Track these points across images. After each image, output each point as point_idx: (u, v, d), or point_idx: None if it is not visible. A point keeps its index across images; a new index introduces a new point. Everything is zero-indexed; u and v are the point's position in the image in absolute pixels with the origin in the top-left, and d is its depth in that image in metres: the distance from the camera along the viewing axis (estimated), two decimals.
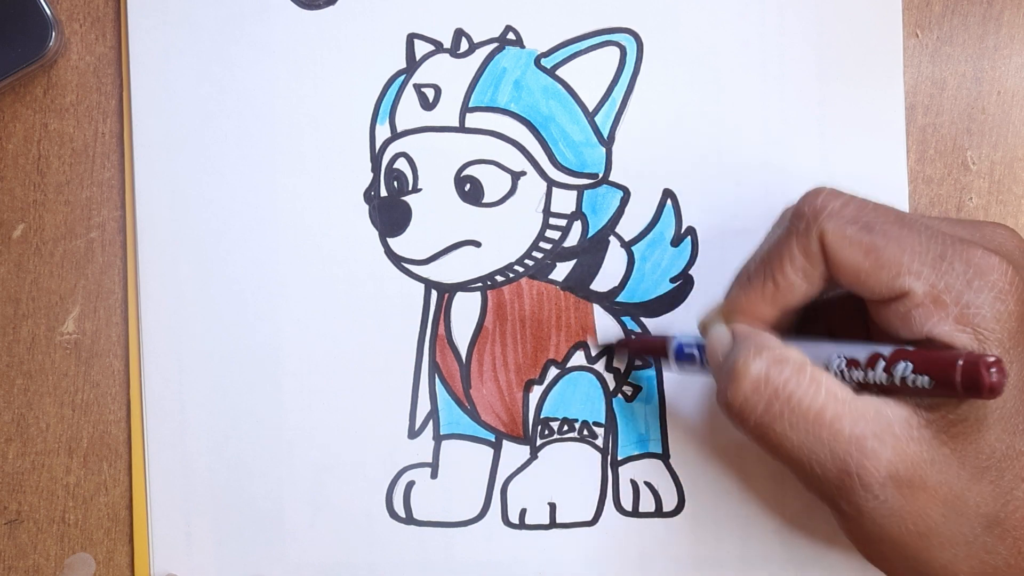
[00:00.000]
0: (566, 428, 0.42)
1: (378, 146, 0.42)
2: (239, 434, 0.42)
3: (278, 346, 0.42)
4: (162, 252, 0.42)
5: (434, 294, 0.42)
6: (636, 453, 0.42)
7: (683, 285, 0.42)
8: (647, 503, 0.42)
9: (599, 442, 0.42)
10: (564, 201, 0.42)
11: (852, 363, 0.33)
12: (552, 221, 0.42)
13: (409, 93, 0.42)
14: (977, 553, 0.33)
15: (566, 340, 0.42)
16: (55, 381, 0.43)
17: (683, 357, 0.38)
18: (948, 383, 0.31)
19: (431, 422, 0.42)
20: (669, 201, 0.42)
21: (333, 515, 0.42)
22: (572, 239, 0.42)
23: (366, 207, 0.42)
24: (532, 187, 0.42)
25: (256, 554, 0.42)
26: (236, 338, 0.42)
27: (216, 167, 0.42)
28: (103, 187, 0.43)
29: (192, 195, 0.42)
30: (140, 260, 0.42)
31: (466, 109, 0.42)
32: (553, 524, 0.42)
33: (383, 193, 0.42)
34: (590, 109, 0.42)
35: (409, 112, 0.42)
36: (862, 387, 0.33)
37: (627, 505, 0.42)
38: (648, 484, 0.42)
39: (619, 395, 0.42)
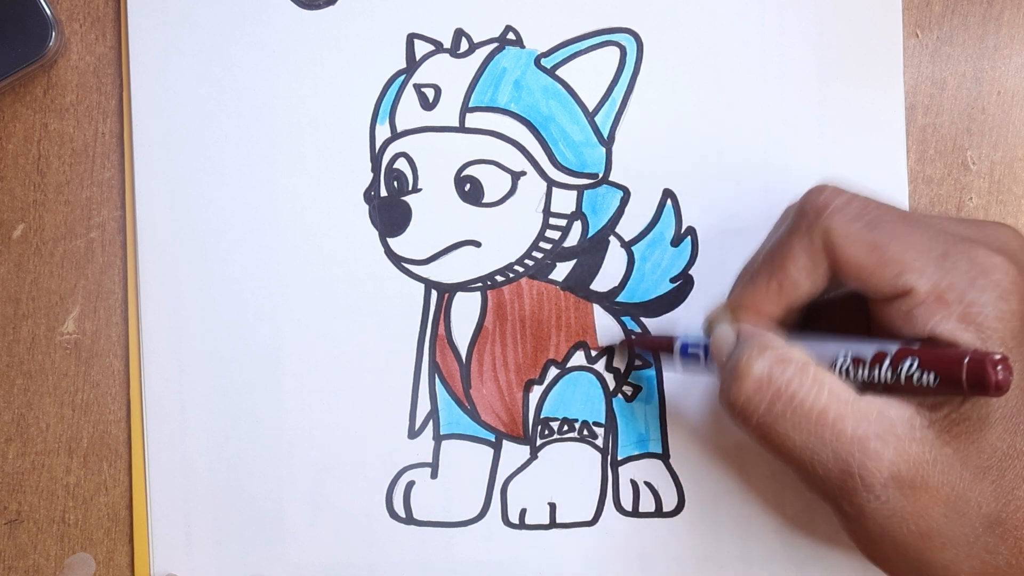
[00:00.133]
0: (566, 428, 0.42)
1: (378, 146, 0.42)
2: (239, 434, 0.42)
3: (278, 346, 0.42)
4: (162, 252, 0.42)
5: (434, 294, 0.42)
6: (636, 453, 0.42)
7: (683, 285, 0.42)
8: (647, 503, 0.42)
9: (599, 442, 0.42)
10: (564, 201, 0.42)
11: (857, 361, 0.33)
12: (552, 221, 0.42)
13: (409, 93, 0.42)
14: (978, 553, 0.33)
15: (566, 340, 0.42)
16: (55, 381, 0.43)
17: (688, 357, 0.38)
18: (954, 380, 0.31)
19: (431, 422, 0.42)
20: (669, 201, 0.42)
21: (333, 515, 0.42)
22: (572, 239, 0.42)
23: (366, 207, 0.42)
24: (532, 187, 0.42)
25: (256, 554, 0.42)
26: (236, 338, 0.42)
27: (216, 167, 0.42)
28: (103, 187, 0.43)
29: (192, 195, 0.42)
30: (140, 260, 0.42)
31: (466, 109, 0.42)
32: (553, 524, 0.42)
33: (383, 193, 0.42)
34: (590, 109, 0.42)
35: (409, 112, 0.42)
36: (866, 386, 0.33)
37: (627, 505, 0.42)
38: (648, 484, 0.42)
39: (619, 395, 0.42)
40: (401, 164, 0.42)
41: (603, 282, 0.42)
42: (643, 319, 0.42)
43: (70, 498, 0.43)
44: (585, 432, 0.42)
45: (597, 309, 0.42)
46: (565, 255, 0.42)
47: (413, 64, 0.42)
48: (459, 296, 0.42)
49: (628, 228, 0.42)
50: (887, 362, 0.32)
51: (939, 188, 0.42)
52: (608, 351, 0.42)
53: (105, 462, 0.43)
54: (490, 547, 0.42)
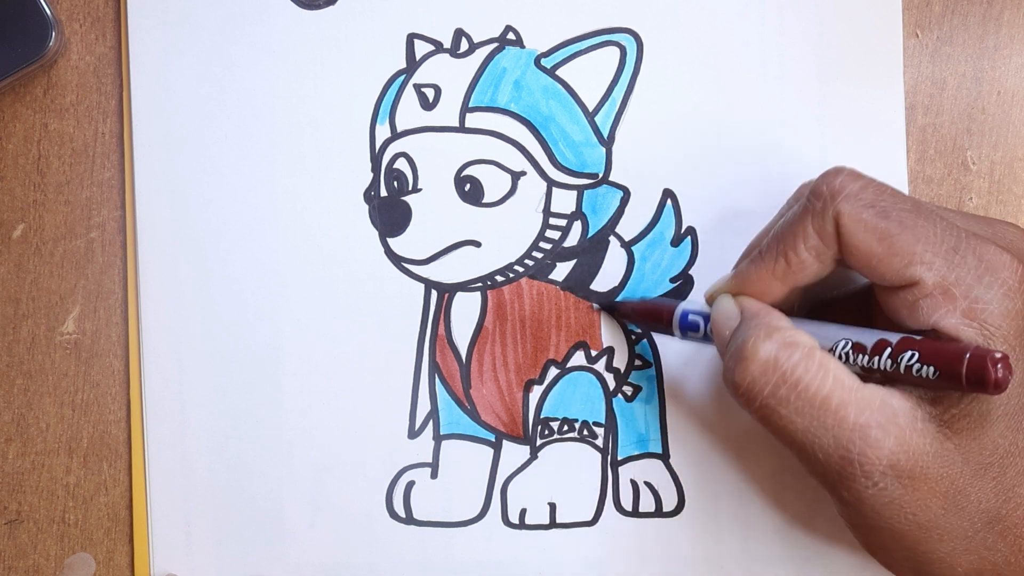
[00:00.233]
0: (566, 428, 0.42)
1: (378, 146, 0.42)
2: (239, 434, 0.42)
3: (278, 346, 0.42)
4: (162, 252, 0.42)
5: (434, 294, 0.42)
6: (636, 453, 0.42)
7: (683, 285, 0.42)
8: (647, 503, 0.42)
9: (599, 442, 0.42)
10: (564, 201, 0.42)
11: (858, 348, 0.33)
12: (552, 221, 0.42)
13: (409, 93, 0.42)
14: (976, 548, 0.33)
15: (566, 340, 0.42)
16: (55, 381, 0.43)
17: (687, 325, 0.38)
18: (953, 376, 0.31)
19: (431, 422, 0.42)
20: (669, 201, 0.42)
21: (333, 515, 0.42)
22: (572, 239, 0.42)
23: (366, 207, 0.42)
24: (532, 187, 0.42)
25: (256, 554, 0.42)
26: (236, 338, 0.42)
27: (216, 167, 0.42)
28: (103, 187, 0.43)
29: (192, 195, 0.42)
30: (140, 260, 0.42)
31: (466, 109, 0.42)
32: (553, 524, 0.42)
33: (383, 193, 0.42)
34: (590, 109, 0.42)
35: (409, 112, 0.42)
36: (865, 374, 0.33)
37: (627, 505, 0.42)
38: (648, 484, 0.42)
39: (619, 395, 0.42)
40: (401, 164, 0.42)
41: (603, 282, 0.42)
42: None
43: (70, 498, 0.43)
44: (585, 432, 0.42)
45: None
46: (565, 255, 0.42)
47: (413, 64, 0.42)
48: (459, 296, 0.42)
49: (628, 228, 0.42)
50: (887, 352, 0.32)
51: (939, 188, 0.42)
52: (608, 351, 0.42)
53: (105, 462, 0.43)
54: (490, 547, 0.42)
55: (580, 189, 0.42)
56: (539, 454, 0.42)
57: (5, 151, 0.43)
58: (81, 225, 0.43)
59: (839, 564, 0.42)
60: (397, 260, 0.42)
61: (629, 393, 0.42)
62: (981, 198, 0.42)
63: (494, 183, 0.42)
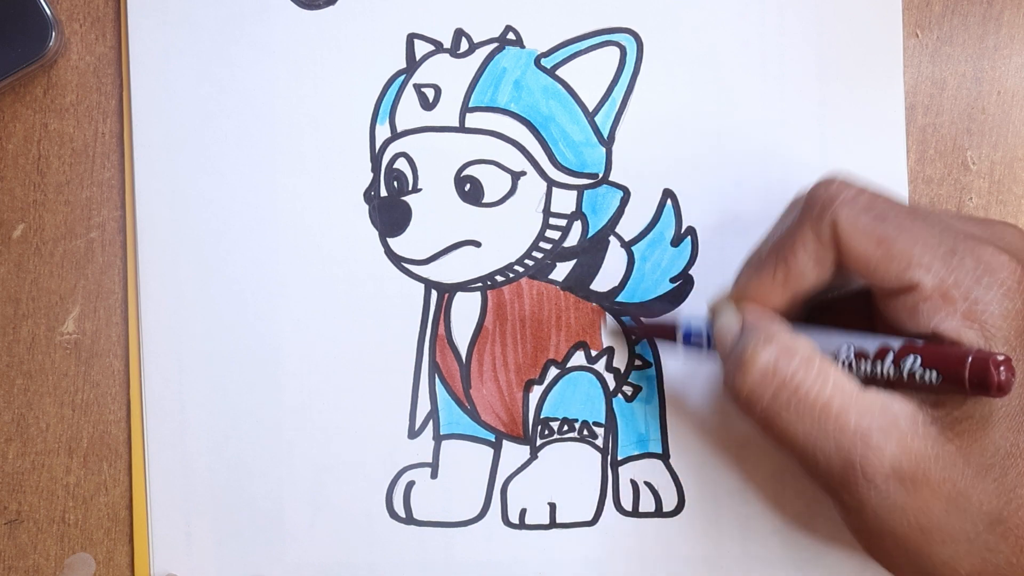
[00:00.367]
0: (566, 428, 0.42)
1: (378, 146, 0.42)
2: (239, 434, 0.42)
3: (278, 346, 0.42)
4: (162, 252, 0.42)
5: (434, 294, 0.42)
6: (636, 453, 0.42)
7: (683, 285, 0.42)
8: (647, 503, 0.42)
9: (599, 442, 0.42)
10: (564, 201, 0.42)
11: (860, 355, 0.33)
12: (552, 221, 0.42)
13: (409, 93, 0.42)
14: (978, 551, 0.33)
15: (566, 340, 0.42)
16: (55, 381, 0.43)
17: (691, 341, 0.38)
18: (956, 379, 0.31)
19: (431, 422, 0.42)
20: (669, 201, 0.42)
21: (333, 515, 0.42)
22: (572, 239, 0.42)
23: (366, 207, 0.42)
24: (532, 187, 0.42)
25: (256, 554, 0.42)
26: (236, 338, 0.42)
27: (216, 167, 0.42)
28: (103, 187, 0.43)
29: (192, 195, 0.42)
30: (140, 260, 0.42)
31: (466, 109, 0.42)
32: (553, 524, 0.42)
33: (383, 193, 0.42)
34: (590, 109, 0.42)
35: (409, 112, 0.42)
36: (869, 380, 0.33)
37: (627, 505, 0.42)
38: (648, 484, 0.42)
39: (619, 395, 0.42)
40: (401, 164, 0.42)
41: (603, 282, 0.42)
42: (643, 319, 0.42)
43: (70, 498, 0.43)
44: (585, 432, 0.42)
45: (598, 309, 0.42)
46: (565, 255, 0.42)
47: (413, 64, 0.42)
48: (459, 296, 0.42)
49: (628, 228, 0.42)
50: (890, 358, 0.32)
51: (939, 188, 0.42)
52: (608, 351, 0.42)
53: (105, 462, 0.43)
54: (490, 547, 0.42)
55: (580, 189, 0.42)
56: (539, 454, 0.42)
57: (5, 151, 0.43)
58: (81, 225, 0.43)
59: (839, 564, 0.42)
60: (397, 260, 0.42)
61: (629, 393, 0.42)
62: (981, 198, 0.42)
63: (494, 183, 0.42)
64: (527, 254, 0.42)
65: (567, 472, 0.42)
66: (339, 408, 0.42)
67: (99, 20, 0.43)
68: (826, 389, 0.32)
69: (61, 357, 0.43)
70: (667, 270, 0.42)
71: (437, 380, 0.42)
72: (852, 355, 0.33)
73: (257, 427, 0.42)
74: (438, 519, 0.42)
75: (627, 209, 0.42)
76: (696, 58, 0.42)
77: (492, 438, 0.42)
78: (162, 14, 0.42)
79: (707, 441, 0.42)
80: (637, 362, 0.42)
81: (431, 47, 0.42)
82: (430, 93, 0.42)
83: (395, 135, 0.42)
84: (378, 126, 0.42)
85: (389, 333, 0.42)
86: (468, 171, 0.42)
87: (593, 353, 0.42)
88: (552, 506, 0.42)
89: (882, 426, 0.32)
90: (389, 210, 0.42)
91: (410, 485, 0.42)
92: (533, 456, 0.42)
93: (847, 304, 0.38)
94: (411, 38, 0.42)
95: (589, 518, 0.42)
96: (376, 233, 0.42)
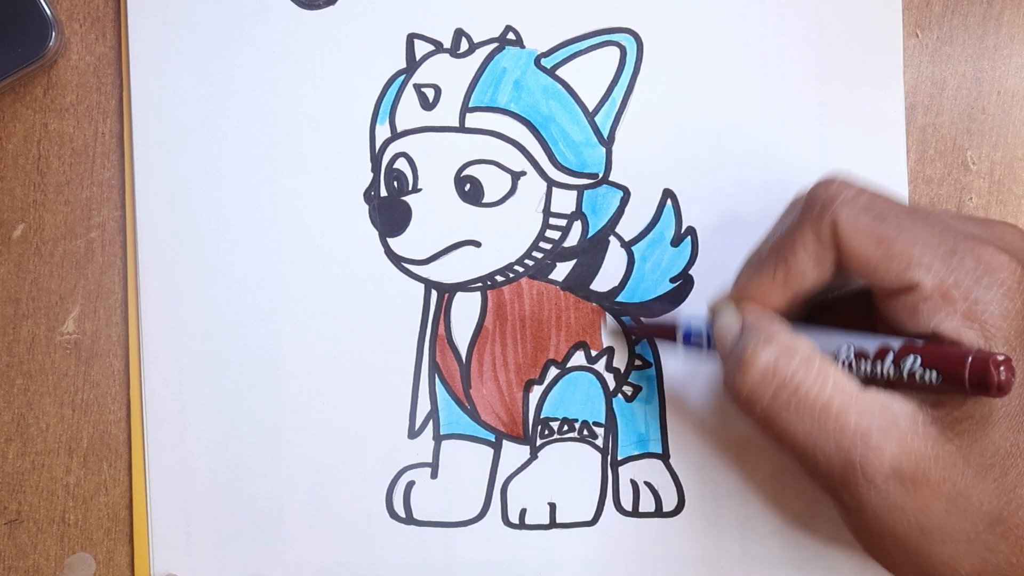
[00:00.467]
0: (566, 428, 0.42)
1: (378, 146, 0.42)
2: (239, 434, 0.42)
3: (278, 346, 0.42)
4: (162, 252, 0.42)
5: (434, 294, 0.42)
6: (636, 453, 0.42)
7: (683, 285, 0.42)
8: (647, 503, 0.42)
9: (599, 442, 0.42)
10: (564, 201, 0.42)
11: (860, 355, 0.33)
12: (552, 221, 0.42)
13: (409, 93, 0.42)
14: (978, 551, 0.33)
15: (566, 340, 0.42)
16: (55, 381, 0.43)
17: (691, 341, 0.38)
18: (957, 379, 0.31)
19: (431, 422, 0.42)
20: (669, 201, 0.42)
21: (333, 515, 0.42)
22: (572, 239, 0.42)
23: (366, 207, 0.42)
24: (532, 187, 0.42)
25: (256, 554, 0.42)
26: (236, 338, 0.42)
27: (216, 167, 0.42)
28: (103, 187, 0.43)
29: (192, 195, 0.42)
30: (140, 260, 0.42)
31: (466, 109, 0.42)
32: (553, 524, 0.42)
33: (383, 193, 0.42)
34: (590, 109, 0.42)
35: (409, 112, 0.42)
36: (869, 380, 0.33)
37: (627, 505, 0.42)
38: (648, 484, 0.42)
39: (619, 395, 0.42)
40: (401, 164, 0.42)
41: (603, 282, 0.42)
42: (643, 319, 0.42)
43: (70, 498, 0.43)
44: (585, 432, 0.42)
45: (598, 309, 0.42)
46: (565, 255, 0.42)
47: (413, 64, 0.42)
48: (459, 296, 0.42)
49: (628, 228, 0.42)
50: (890, 358, 0.32)
51: (939, 188, 0.42)
52: (608, 351, 0.42)
53: (105, 462, 0.43)
54: (490, 547, 0.42)
55: (580, 189, 0.42)
56: (539, 454, 0.42)
57: (5, 151, 0.43)
58: (81, 225, 0.43)
59: (839, 564, 0.42)
60: (397, 260, 0.42)
61: (629, 393, 0.42)
62: (981, 198, 0.42)
63: (494, 183, 0.42)
64: (527, 254, 0.42)
65: (567, 472, 0.42)
66: (339, 408, 0.42)
67: (99, 20, 0.43)
68: (826, 389, 0.32)
69: (61, 357, 0.43)
70: (667, 270, 0.42)
71: (437, 380, 0.42)
72: (852, 355, 0.33)
73: (257, 427, 0.42)
74: (438, 519, 0.42)
75: (627, 209, 0.42)
76: (696, 58, 0.42)
77: (492, 438, 0.42)
78: (162, 14, 0.42)
79: (707, 441, 0.42)
80: (637, 362, 0.42)
81: (431, 47, 0.42)
82: (430, 93, 0.42)
83: (395, 135, 0.42)
84: (378, 126, 0.42)
85: (389, 333, 0.42)
86: (468, 171, 0.42)
87: (593, 353, 0.42)
88: (552, 506, 0.42)
89: (882, 426, 0.32)
90: (389, 210, 0.42)
91: (410, 485, 0.42)
92: (533, 456, 0.42)
93: (847, 304, 0.38)
94: (411, 38, 0.42)
95: (589, 518, 0.42)
96: (376, 233, 0.42)
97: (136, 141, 0.42)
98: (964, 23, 0.42)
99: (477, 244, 0.42)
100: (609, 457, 0.42)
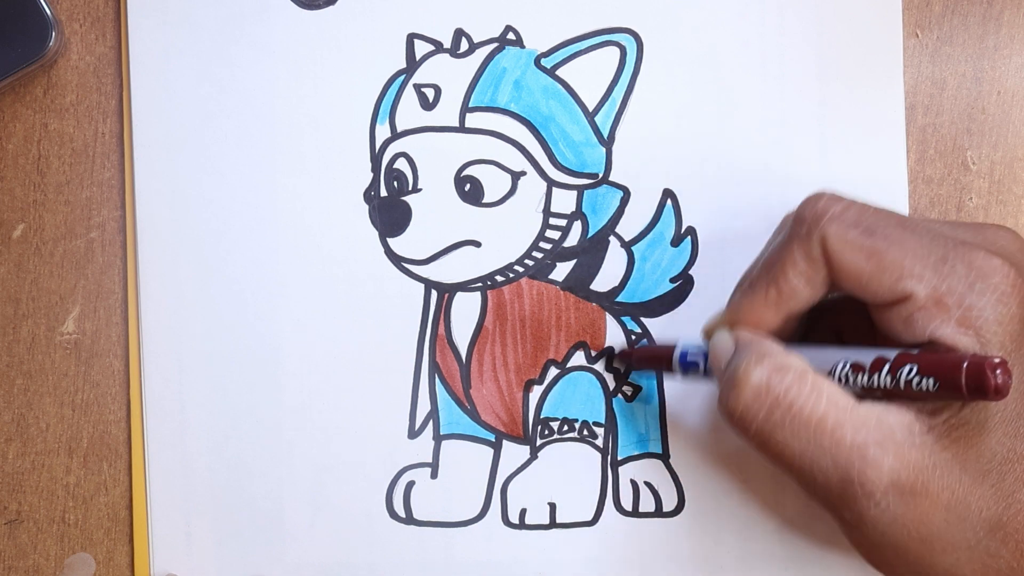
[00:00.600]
0: (566, 428, 0.42)
1: (378, 146, 0.42)
2: (239, 434, 0.42)
3: (278, 346, 0.42)
4: (162, 252, 0.42)
5: (434, 294, 0.42)
6: (636, 453, 0.42)
7: (683, 285, 0.42)
8: (647, 503, 0.42)
9: (599, 442, 0.42)
10: (564, 201, 0.42)
11: (856, 368, 0.33)
12: (552, 221, 0.42)
13: (409, 93, 0.42)
14: (980, 557, 0.33)
15: (566, 340, 0.42)
16: (55, 381, 0.43)
17: (687, 366, 0.38)
18: (953, 385, 0.31)
19: (431, 422, 0.42)
20: (669, 201, 0.42)
21: (333, 515, 0.42)
22: (572, 239, 0.42)
23: (366, 207, 0.42)
24: (532, 187, 0.42)
25: (256, 554, 0.42)
26: (236, 338, 0.42)
27: (216, 167, 0.42)
28: (103, 187, 0.43)
29: (192, 195, 0.42)
30: (140, 260, 0.42)
31: (466, 109, 0.42)
32: (553, 524, 0.42)
33: (383, 193, 0.42)
34: (590, 109, 0.42)
35: (409, 112, 0.42)
36: (866, 393, 0.33)
37: (627, 505, 0.42)
38: (648, 484, 0.42)
39: (619, 395, 0.42)
40: (401, 164, 0.42)
41: (603, 282, 0.42)
42: (643, 319, 0.42)
43: (70, 498, 0.43)
44: (585, 432, 0.42)
45: (600, 312, 0.42)
46: (565, 255, 0.42)
47: (413, 64, 0.42)
48: (459, 296, 0.42)
49: (628, 228, 0.42)
50: (886, 368, 0.32)
51: (939, 188, 0.42)
52: (608, 351, 0.42)
53: (105, 462, 0.43)
54: (490, 547, 0.42)
55: (580, 189, 0.42)
56: (539, 454, 0.42)
57: (5, 151, 0.43)
58: (81, 225, 0.43)
59: (839, 564, 0.42)
60: (397, 260, 0.42)
61: (629, 393, 0.42)
62: (981, 198, 0.42)
63: (494, 183, 0.42)
64: (527, 254, 0.42)
65: (567, 472, 0.42)
66: (339, 408, 0.42)
67: (99, 20, 0.43)
68: (820, 404, 0.32)
69: (61, 357, 0.43)
70: (667, 270, 0.42)
71: (437, 380, 0.42)
72: (848, 369, 0.33)
73: (257, 427, 0.42)
74: (438, 519, 0.42)
75: (627, 209, 0.42)
76: (696, 58, 0.42)
77: (492, 438, 0.42)
78: (162, 14, 0.42)
79: (707, 441, 0.42)
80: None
81: (431, 47, 0.42)
82: (430, 93, 0.42)
83: (395, 135, 0.42)
84: (378, 126, 0.42)
85: (389, 333, 0.42)
86: (468, 171, 0.42)
87: (593, 353, 0.42)
88: (552, 506, 0.42)
89: (878, 439, 0.32)
90: (389, 210, 0.42)
91: (410, 485, 0.42)
92: (533, 456, 0.42)
93: (847, 303, 0.38)
94: (411, 38, 0.42)
95: (589, 518, 0.42)
96: (376, 233, 0.42)
97: (136, 141, 0.42)
98: (964, 23, 0.42)
99: (477, 244, 0.42)
100: (609, 457, 0.42)
